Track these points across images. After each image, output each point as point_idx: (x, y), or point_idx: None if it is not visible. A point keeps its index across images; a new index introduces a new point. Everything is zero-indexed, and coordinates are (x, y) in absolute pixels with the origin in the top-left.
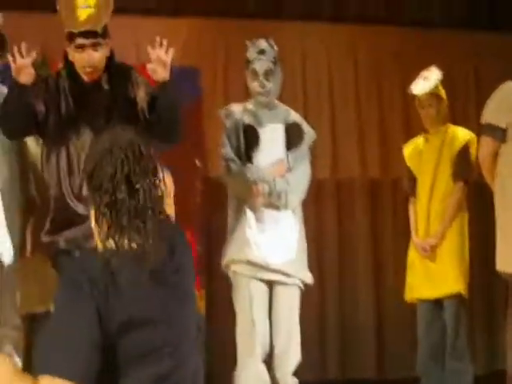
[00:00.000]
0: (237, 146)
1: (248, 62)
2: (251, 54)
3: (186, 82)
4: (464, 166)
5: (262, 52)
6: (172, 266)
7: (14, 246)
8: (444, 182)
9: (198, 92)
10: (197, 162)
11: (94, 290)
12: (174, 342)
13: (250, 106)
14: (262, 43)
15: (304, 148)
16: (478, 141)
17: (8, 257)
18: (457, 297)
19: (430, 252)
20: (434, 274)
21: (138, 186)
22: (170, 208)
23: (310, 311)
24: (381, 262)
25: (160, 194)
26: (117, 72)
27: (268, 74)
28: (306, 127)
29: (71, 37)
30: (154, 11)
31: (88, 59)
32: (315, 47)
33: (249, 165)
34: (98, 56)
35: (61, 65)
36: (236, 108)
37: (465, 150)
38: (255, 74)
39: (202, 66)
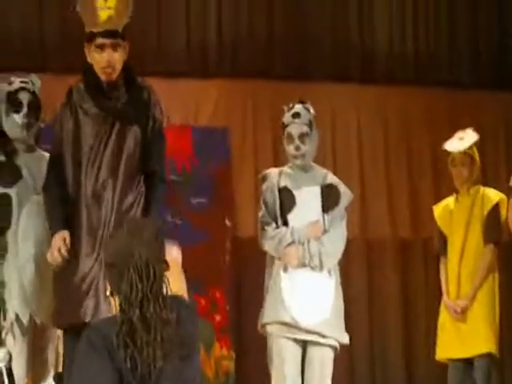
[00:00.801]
0: (273, 209)
1: (284, 125)
2: (287, 117)
3: (216, 142)
4: (494, 228)
5: (297, 115)
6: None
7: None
8: (475, 243)
9: (228, 152)
10: (226, 221)
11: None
12: None
13: (286, 169)
14: (297, 107)
15: (341, 209)
16: (508, 202)
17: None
18: (487, 356)
19: (461, 314)
20: (464, 334)
21: (148, 314)
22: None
23: (340, 372)
24: (412, 322)
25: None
26: (133, 79)
27: (303, 137)
28: (342, 188)
29: (91, 37)
30: (185, 74)
31: (108, 59)
32: (344, 108)
33: (284, 228)
34: (117, 56)
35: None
36: (273, 171)
37: (495, 211)
38: (291, 137)
39: (232, 127)
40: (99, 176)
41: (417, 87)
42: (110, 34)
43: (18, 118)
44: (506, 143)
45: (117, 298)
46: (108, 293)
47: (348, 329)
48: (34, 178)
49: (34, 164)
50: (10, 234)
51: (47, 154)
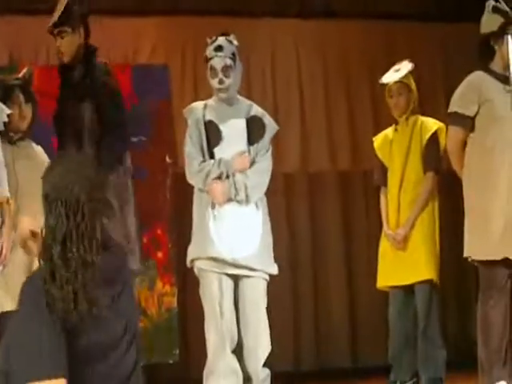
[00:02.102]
0: (199, 143)
1: (207, 59)
2: (209, 51)
3: (156, 80)
4: (433, 156)
5: (219, 48)
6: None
7: None
8: (414, 172)
9: (168, 89)
10: (167, 158)
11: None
12: None
13: (211, 102)
14: (220, 39)
15: (266, 141)
16: (447, 130)
17: None
18: (428, 283)
19: (401, 242)
20: (405, 262)
21: (70, 255)
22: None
23: (283, 302)
24: (353, 252)
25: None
26: (91, 62)
27: (227, 69)
28: (267, 120)
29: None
30: (121, 11)
31: (57, 45)
32: (284, 42)
33: (211, 161)
34: (64, 42)
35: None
36: (198, 105)
37: (434, 140)
38: (214, 70)
39: (171, 65)
40: None
41: (354, 20)
42: (56, 24)
43: None
44: (443, 73)
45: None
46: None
47: (290, 260)
48: None
49: None
50: None
51: None
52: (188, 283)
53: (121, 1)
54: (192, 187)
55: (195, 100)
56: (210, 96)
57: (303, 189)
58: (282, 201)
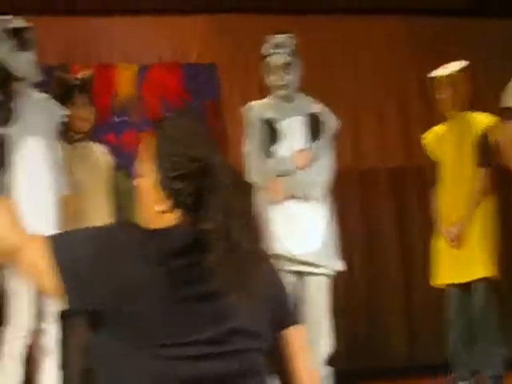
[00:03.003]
0: (259, 141)
1: (264, 56)
2: (267, 48)
3: (205, 79)
4: (486, 151)
5: (278, 46)
6: None
7: None
8: (467, 168)
9: (216, 89)
10: None
11: None
12: None
13: (270, 100)
14: (279, 37)
15: (327, 137)
16: (499, 125)
17: None
18: (485, 280)
19: (456, 240)
20: (461, 260)
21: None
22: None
23: (338, 299)
24: (408, 248)
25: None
26: None
27: (286, 67)
28: (327, 117)
29: None
30: (168, 10)
31: None
32: (336, 40)
33: (271, 159)
34: None
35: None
36: (256, 103)
37: (486, 135)
38: (273, 67)
39: (221, 63)
40: None
41: (402, 16)
42: None
43: (30, 56)
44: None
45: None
46: None
47: (346, 256)
48: (31, 120)
49: (33, 106)
50: (5, 174)
51: (43, 95)
52: None
53: (170, 1)
54: None
55: (244, 99)
56: (258, 95)
57: (355, 186)
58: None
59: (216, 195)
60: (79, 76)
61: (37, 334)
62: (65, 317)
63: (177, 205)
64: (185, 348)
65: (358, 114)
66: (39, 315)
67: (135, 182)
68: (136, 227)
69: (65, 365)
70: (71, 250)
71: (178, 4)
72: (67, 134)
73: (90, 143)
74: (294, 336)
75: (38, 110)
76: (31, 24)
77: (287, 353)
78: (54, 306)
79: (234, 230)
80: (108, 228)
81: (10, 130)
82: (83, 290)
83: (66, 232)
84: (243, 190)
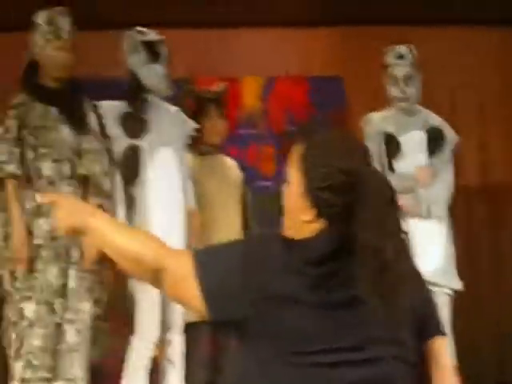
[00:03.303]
0: (378, 155)
1: (387, 67)
2: (390, 59)
3: (331, 91)
4: None
5: (401, 57)
6: None
7: None
8: None
9: (343, 101)
10: None
11: None
12: None
13: (389, 112)
14: (401, 48)
15: (446, 153)
16: None
17: None
18: None
19: None
20: None
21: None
22: None
23: (463, 318)
24: None
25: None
26: None
27: (408, 79)
28: (447, 131)
29: None
30: (293, 23)
31: None
32: (457, 51)
33: (392, 175)
34: None
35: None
36: (376, 116)
37: None
38: (394, 79)
39: (346, 74)
40: None
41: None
42: None
43: (160, 69)
44: None
45: None
46: None
47: (470, 274)
48: (163, 131)
49: (165, 118)
50: (137, 185)
51: (174, 108)
52: None
53: (294, 13)
54: None
55: (370, 111)
56: (384, 107)
57: (482, 200)
58: (461, 212)
59: (366, 209)
60: (213, 89)
61: (163, 345)
62: (190, 329)
63: (322, 215)
64: (330, 355)
65: (487, 127)
66: (165, 326)
67: (283, 189)
68: (277, 238)
69: (189, 377)
70: (215, 264)
71: (303, 16)
72: (198, 146)
73: (220, 156)
74: (439, 347)
75: (169, 122)
76: (163, 37)
77: (431, 364)
78: (180, 318)
79: (386, 248)
80: (250, 240)
81: (143, 142)
82: (226, 303)
83: (209, 246)
84: (395, 204)
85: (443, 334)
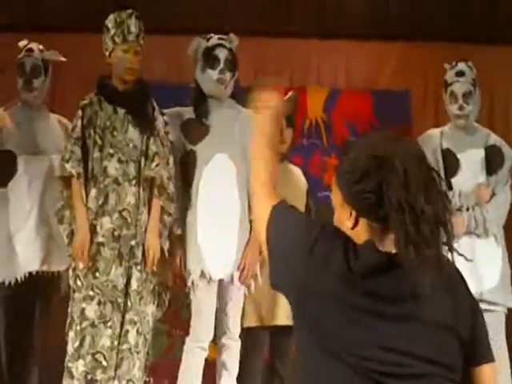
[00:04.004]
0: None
1: (446, 84)
2: (450, 76)
3: (396, 105)
4: None
5: (461, 74)
6: None
7: None
8: None
9: (408, 115)
10: None
11: None
12: None
13: (448, 129)
14: (461, 65)
15: (505, 172)
16: None
17: None
18: None
19: None
20: None
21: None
22: None
23: None
24: None
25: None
26: None
27: (467, 96)
28: (506, 149)
29: None
30: (361, 37)
31: None
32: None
33: (450, 192)
34: None
35: None
36: (434, 132)
37: None
38: (454, 96)
39: (412, 90)
40: None
41: None
42: None
43: (213, 74)
44: None
45: None
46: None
47: None
48: (223, 136)
49: (225, 121)
50: (192, 189)
51: (243, 110)
52: None
53: (365, 25)
54: None
55: (436, 126)
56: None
57: None
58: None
59: (399, 194)
60: (284, 98)
61: (219, 348)
62: (248, 334)
63: (360, 212)
64: (374, 364)
65: None
66: (221, 331)
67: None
68: (344, 238)
69: (245, 383)
70: (286, 228)
71: (372, 30)
72: None
73: (287, 165)
74: (486, 374)
75: (229, 127)
76: (221, 41)
77: None
78: (237, 324)
79: (419, 203)
80: (326, 228)
81: (200, 147)
82: (282, 271)
83: (292, 206)
84: (435, 188)
85: (492, 360)
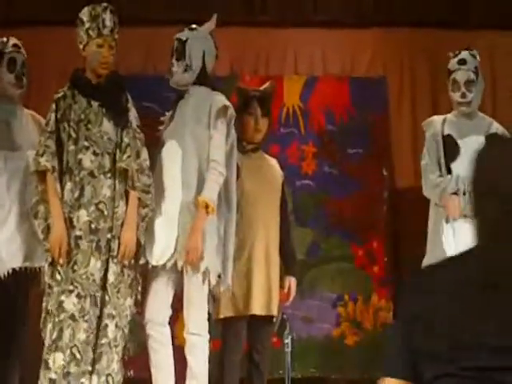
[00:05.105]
0: (436, 157)
1: (449, 72)
2: (452, 64)
3: (373, 92)
4: None
5: (463, 62)
6: None
7: None
8: None
9: (385, 102)
10: (383, 171)
11: None
12: None
13: (450, 116)
14: (464, 53)
15: None
16: None
17: None
18: None
19: None
20: None
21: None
22: None
23: None
24: None
25: None
26: None
27: (470, 83)
28: None
29: None
30: (337, 24)
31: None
32: (504, 56)
33: (448, 176)
34: None
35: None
36: (437, 119)
37: None
38: (457, 84)
39: (389, 76)
40: None
41: None
42: None
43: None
44: None
45: None
46: None
47: None
48: (178, 123)
49: (183, 109)
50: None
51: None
52: None
53: (341, 13)
54: (409, 201)
55: (412, 114)
56: (427, 110)
57: None
58: None
59: None
60: (261, 88)
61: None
62: (227, 324)
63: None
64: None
65: None
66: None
67: None
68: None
69: (227, 370)
70: None
71: (348, 17)
72: (240, 144)
73: (263, 154)
74: None
75: (185, 115)
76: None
77: None
78: (195, 317)
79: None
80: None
81: (163, 135)
82: None
83: None
84: None
85: None
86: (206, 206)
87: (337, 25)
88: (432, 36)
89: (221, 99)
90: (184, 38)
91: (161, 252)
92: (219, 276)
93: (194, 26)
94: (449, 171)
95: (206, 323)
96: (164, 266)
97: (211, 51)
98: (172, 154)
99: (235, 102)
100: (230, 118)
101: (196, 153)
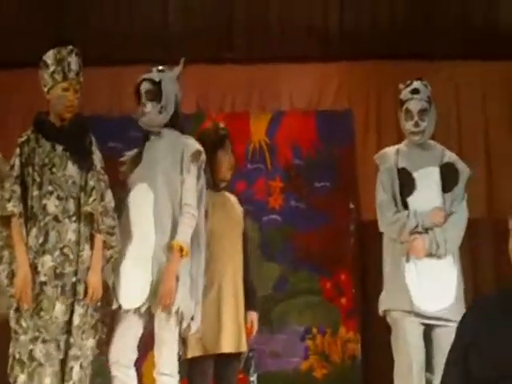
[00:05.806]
0: (391, 191)
1: (402, 102)
2: (405, 94)
3: (339, 125)
4: None
5: (416, 91)
6: None
7: None
8: None
9: (351, 134)
10: (350, 204)
11: None
12: None
13: (403, 147)
14: (416, 83)
15: (461, 188)
16: None
17: None
18: None
19: None
20: None
21: None
22: None
23: None
24: None
25: None
26: None
27: (423, 113)
28: (460, 166)
29: None
30: (303, 58)
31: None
32: (468, 85)
33: (406, 212)
34: None
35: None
36: (389, 151)
37: None
38: (410, 113)
39: (355, 109)
40: None
41: None
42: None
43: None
44: None
45: None
46: None
47: None
48: (147, 166)
49: (152, 151)
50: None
51: (178, 139)
52: (372, 330)
53: (304, 48)
54: (375, 235)
55: (378, 145)
56: (393, 142)
57: (489, 235)
58: (467, 246)
59: None
60: (223, 125)
61: None
62: (194, 363)
63: None
64: None
65: (492, 160)
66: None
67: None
68: None
69: None
70: None
71: (314, 51)
72: (214, 182)
73: (224, 193)
74: None
75: (156, 157)
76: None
77: None
78: (164, 358)
79: None
80: None
81: (130, 178)
82: None
83: None
84: None
85: None
86: (181, 250)
87: (303, 59)
88: (397, 67)
89: (193, 144)
90: (157, 79)
91: (134, 296)
92: (192, 318)
93: (161, 67)
94: (404, 205)
95: (177, 363)
96: (138, 309)
97: (180, 94)
98: (143, 197)
99: (209, 140)
100: (202, 162)
101: (169, 197)
